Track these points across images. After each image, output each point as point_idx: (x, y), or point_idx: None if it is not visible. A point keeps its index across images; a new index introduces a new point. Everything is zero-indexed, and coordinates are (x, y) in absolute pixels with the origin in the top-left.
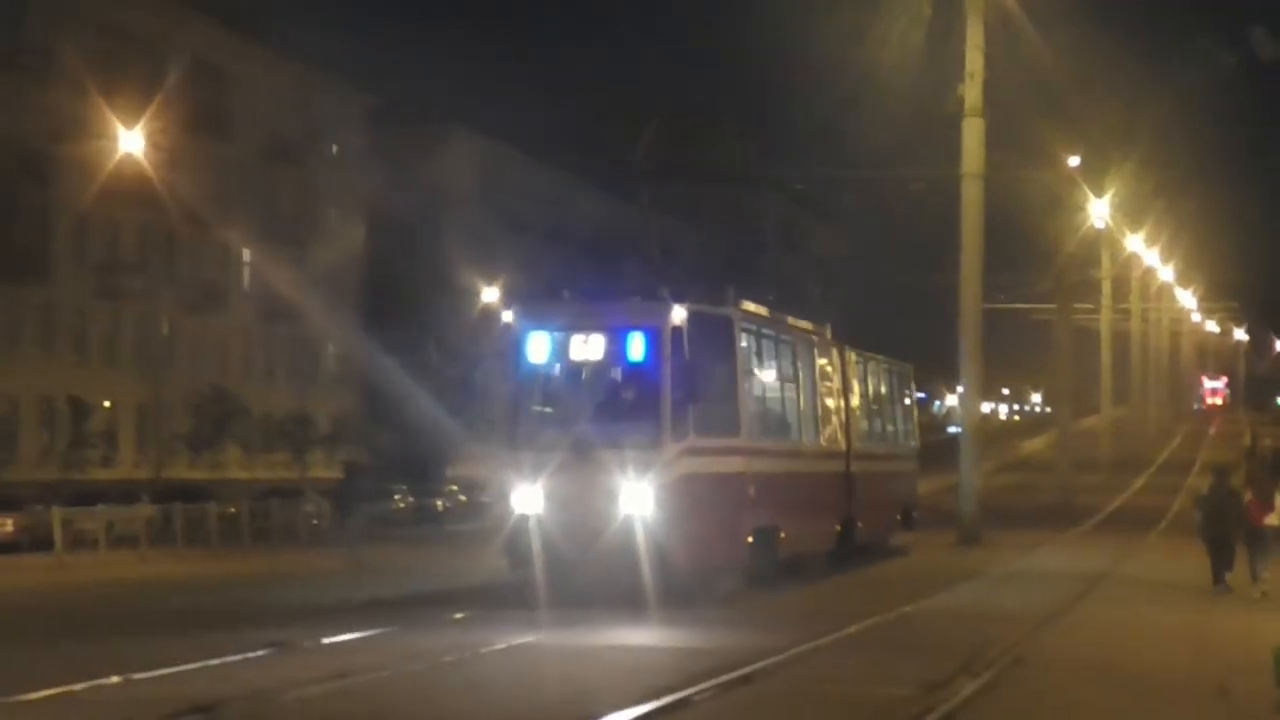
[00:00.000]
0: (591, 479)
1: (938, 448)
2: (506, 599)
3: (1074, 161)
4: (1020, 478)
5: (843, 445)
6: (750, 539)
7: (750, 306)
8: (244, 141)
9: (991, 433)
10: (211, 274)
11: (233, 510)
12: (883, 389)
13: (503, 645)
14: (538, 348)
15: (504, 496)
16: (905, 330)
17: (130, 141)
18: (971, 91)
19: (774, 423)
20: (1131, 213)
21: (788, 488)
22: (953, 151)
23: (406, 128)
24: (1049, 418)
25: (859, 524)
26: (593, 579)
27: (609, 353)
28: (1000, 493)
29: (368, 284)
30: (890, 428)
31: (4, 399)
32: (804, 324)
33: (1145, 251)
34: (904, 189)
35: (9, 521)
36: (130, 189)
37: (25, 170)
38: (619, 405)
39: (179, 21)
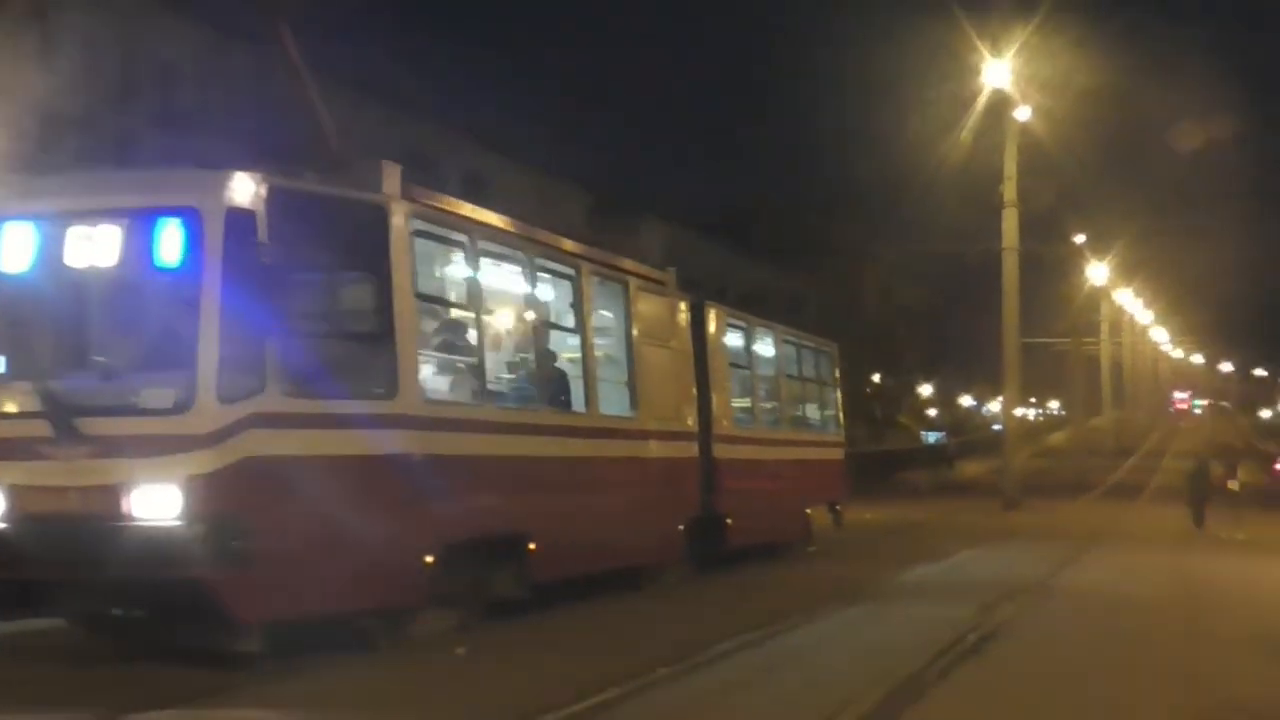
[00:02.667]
0: (77, 465)
1: (986, 441)
2: None
3: (1080, 239)
4: (1046, 462)
5: (692, 424)
6: (432, 559)
7: (451, 203)
8: None
9: (1025, 430)
10: None
11: None
12: (788, 365)
13: None
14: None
15: None
16: (964, 356)
17: None
18: (1008, 190)
19: (504, 384)
20: (1124, 272)
21: (545, 477)
22: (998, 231)
23: (610, 217)
24: (1065, 419)
25: (729, 521)
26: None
27: (124, 256)
28: (1032, 473)
29: None
30: (800, 410)
31: None
32: (596, 253)
33: (1132, 301)
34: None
35: None
36: None
37: None
38: (133, 343)
39: (456, 146)
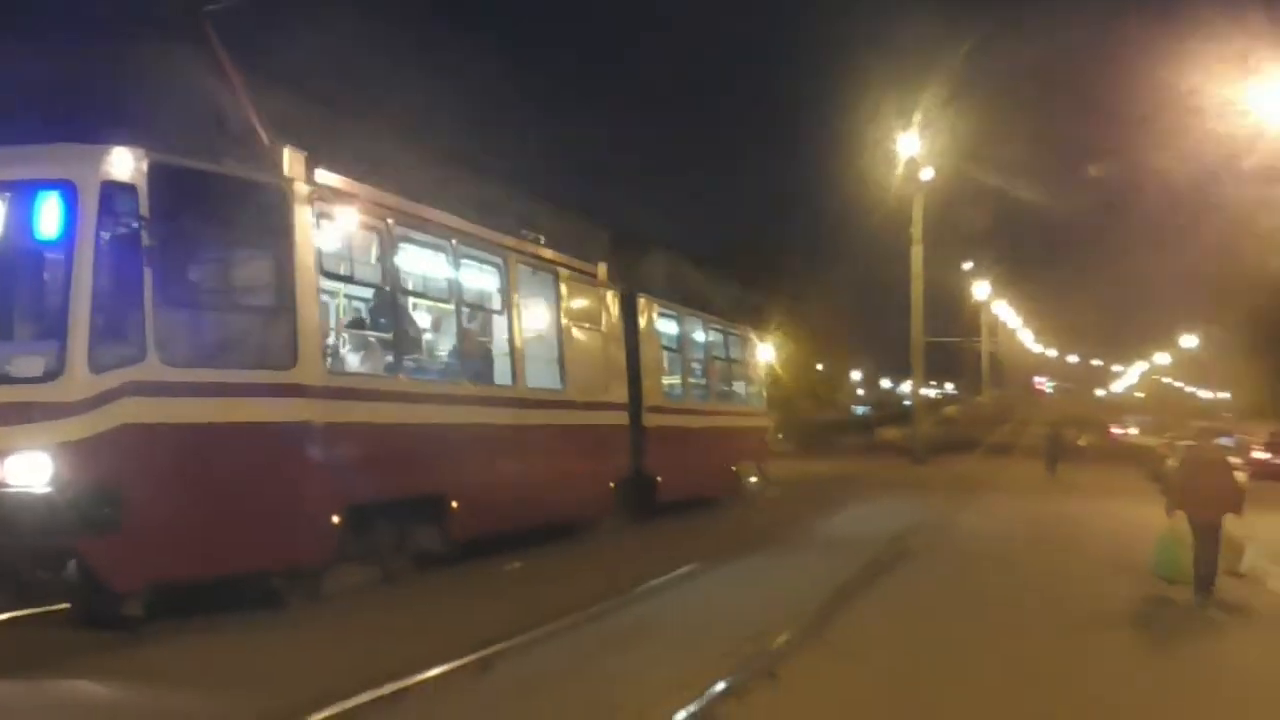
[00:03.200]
0: None
1: (899, 413)
2: None
3: (968, 265)
4: (943, 429)
5: (623, 397)
6: (339, 519)
7: (361, 188)
8: None
9: (927, 405)
10: None
11: None
12: (715, 348)
13: None
14: None
15: None
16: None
17: None
18: (915, 230)
19: (421, 358)
20: (1000, 288)
21: (466, 443)
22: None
23: (627, 249)
24: (957, 397)
25: (658, 480)
26: None
27: (3, 228)
28: (933, 437)
29: None
30: (726, 386)
31: None
32: (526, 246)
33: (1005, 310)
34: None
35: None
36: None
37: None
38: (9, 313)
39: (514, 195)
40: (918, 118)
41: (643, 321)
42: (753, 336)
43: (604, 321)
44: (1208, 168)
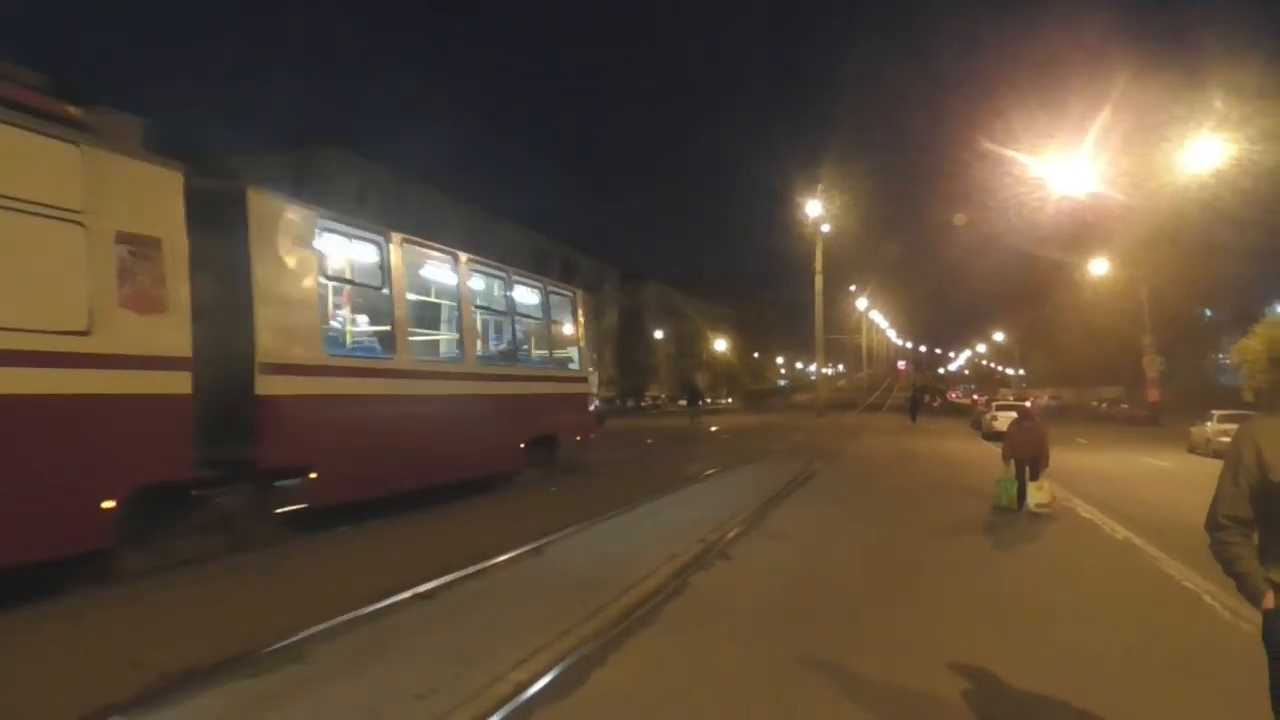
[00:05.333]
0: None
1: (807, 385)
2: None
3: (853, 288)
4: (835, 394)
5: (173, 348)
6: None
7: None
8: None
9: (826, 380)
10: None
11: None
12: (487, 298)
13: None
14: None
15: None
16: (798, 343)
17: None
18: (818, 263)
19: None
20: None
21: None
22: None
23: (631, 282)
24: (845, 373)
25: (314, 476)
26: None
27: None
28: (829, 400)
29: None
30: (513, 345)
31: None
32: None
33: (877, 315)
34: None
35: None
36: None
37: None
38: None
39: (554, 247)
40: (820, 187)
41: (257, 233)
42: (574, 296)
43: (97, 208)
44: (1009, 220)
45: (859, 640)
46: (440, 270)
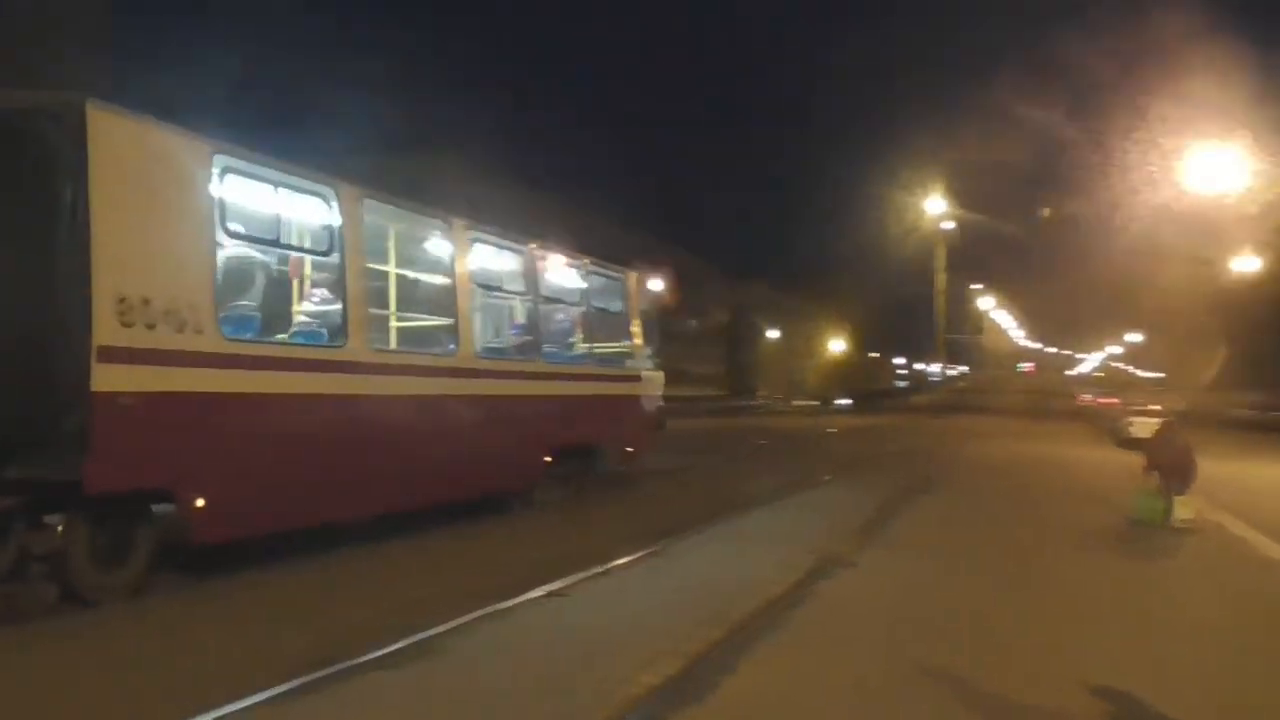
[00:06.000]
0: None
1: (928, 385)
2: None
3: (977, 286)
4: (956, 396)
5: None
6: None
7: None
8: None
9: (947, 380)
10: None
11: None
12: (498, 276)
13: None
14: None
15: None
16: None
17: None
18: (939, 258)
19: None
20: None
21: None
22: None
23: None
24: (969, 373)
25: (202, 506)
26: None
27: None
28: (950, 400)
29: None
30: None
31: None
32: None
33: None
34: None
35: None
36: None
37: None
38: None
39: (644, 242)
40: (940, 186)
41: (104, 168)
42: (625, 278)
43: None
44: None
45: (987, 654)
46: (425, 238)
